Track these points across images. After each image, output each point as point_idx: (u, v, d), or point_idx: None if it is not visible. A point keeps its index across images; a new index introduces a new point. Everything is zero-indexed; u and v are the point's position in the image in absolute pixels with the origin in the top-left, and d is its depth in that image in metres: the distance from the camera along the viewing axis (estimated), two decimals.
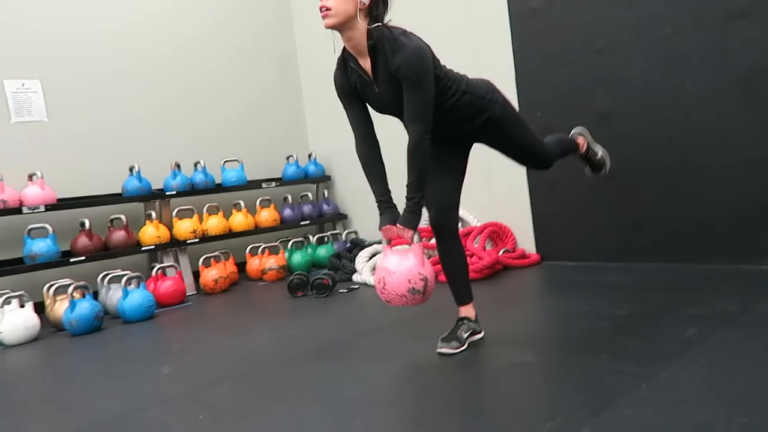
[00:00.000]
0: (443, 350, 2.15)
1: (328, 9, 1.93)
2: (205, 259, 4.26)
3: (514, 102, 3.77)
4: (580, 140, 2.74)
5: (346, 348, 2.44)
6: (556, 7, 3.55)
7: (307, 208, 5.10)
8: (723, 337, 1.96)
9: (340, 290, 3.65)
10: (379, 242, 4.14)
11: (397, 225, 2.06)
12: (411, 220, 2.03)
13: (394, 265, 2.02)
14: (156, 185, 4.44)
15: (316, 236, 4.92)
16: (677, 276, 2.96)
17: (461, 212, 4.14)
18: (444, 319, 2.37)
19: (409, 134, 2.02)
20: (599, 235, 3.56)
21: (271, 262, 4.43)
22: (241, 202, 4.72)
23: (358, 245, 4.44)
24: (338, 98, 2.17)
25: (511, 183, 3.92)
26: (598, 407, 1.52)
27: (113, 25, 4.52)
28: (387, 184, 2.15)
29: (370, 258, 4.01)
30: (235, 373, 2.26)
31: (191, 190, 4.52)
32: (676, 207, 3.21)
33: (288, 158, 5.19)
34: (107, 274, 3.82)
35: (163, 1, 4.80)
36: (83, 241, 3.92)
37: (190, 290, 4.27)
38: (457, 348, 2.14)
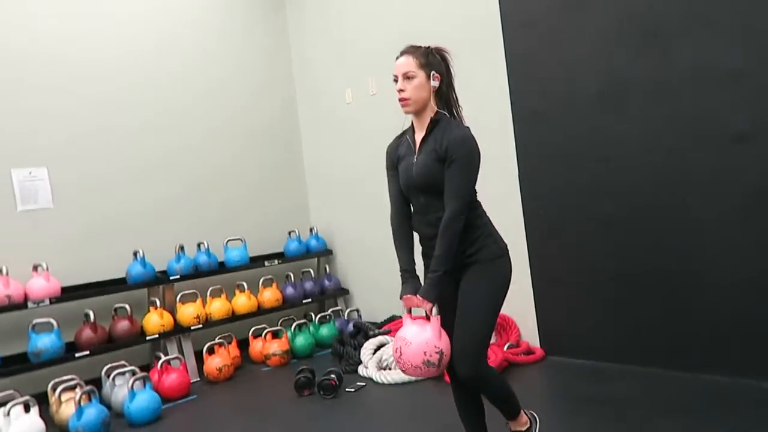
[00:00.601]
0: None
1: (406, 99, 2.15)
2: (208, 346, 4.26)
3: (518, 194, 3.87)
4: (524, 418, 2.33)
5: None
6: (559, 114, 3.64)
7: (308, 285, 5.12)
8: None
9: (347, 388, 3.66)
10: (384, 332, 4.17)
11: (418, 296, 2.10)
12: (432, 292, 2.08)
13: (412, 337, 2.05)
14: (159, 266, 4.45)
15: (318, 315, 4.93)
16: (678, 389, 3.01)
17: None
18: None
19: (447, 208, 2.08)
20: (602, 335, 3.61)
21: (275, 347, 4.44)
22: (244, 284, 4.73)
23: (362, 330, 4.45)
24: (386, 168, 2.31)
25: (515, 276, 3.97)
26: None
27: (120, 113, 4.57)
28: (413, 255, 2.23)
29: (375, 351, 4.03)
30: None
31: (195, 273, 4.53)
32: (678, 315, 3.27)
33: (290, 233, 5.23)
34: (112, 368, 3.81)
35: (167, 91, 4.85)
36: (87, 333, 3.91)
37: (194, 376, 4.26)
38: None
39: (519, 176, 3.87)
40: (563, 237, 3.73)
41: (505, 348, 3.83)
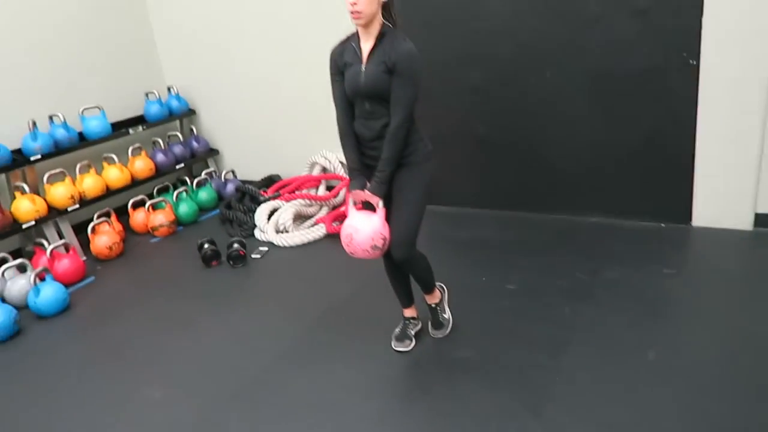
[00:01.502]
0: (399, 348, 2.75)
1: (359, 12, 2.24)
2: (92, 224, 4.17)
3: None
4: (437, 292, 2.84)
5: (310, 345, 2.89)
6: None
7: (177, 149, 5.02)
8: (588, 317, 2.85)
9: (253, 255, 3.96)
10: (274, 197, 4.42)
11: (366, 191, 2.43)
12: (380, 188, 2.41)
13: (362, 225, 2.41)
14: (10, 146, 4.05)
15: (196, 180, 4.95)
16: (537, 229, 3.84)
17: (333, 157, 4.55)
18: (386, 303, 2.94)
19: (394, 117, 2.33)
20: (469, 186, 4.28)
21: (161, 218, 4.47)
22: (114, 156, 4.52)
23: (246, 193, 4.64)
24: (330, 73, 2.46)
25: None
26: (536, 405, 2.29)
27: None
28: (359, 153, 2.49)
29: (270, 215, 4.29)
30: (232, 390, 2.63)
31: (56, 150, 4.21)
32: (531, 169, 4.00)
33: (148, 95, 4.93)
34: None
35: None
36: None
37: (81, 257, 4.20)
38: (410, 345, 2.76)
39: None
40: (435, 101, 4.14)
41: None
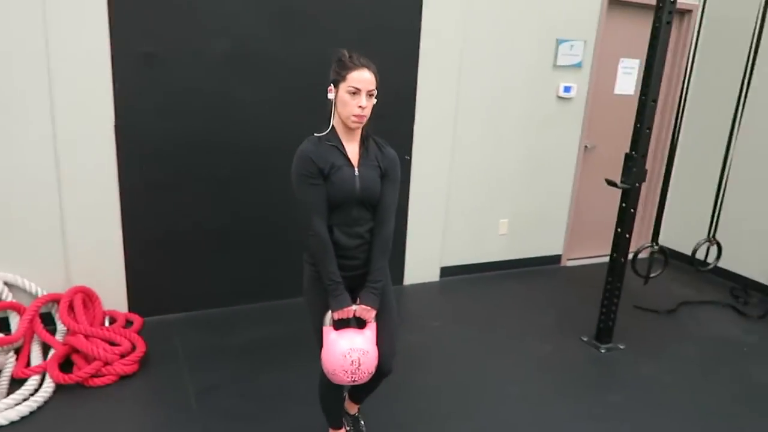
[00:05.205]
0: None
1: (364, 117, 2.08)
2: None
3: (113, 149, 3.32)
4: None
5: None
6: (178, 64, 3.35)
7: None
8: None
9: None
10: None
11: (362, 306, 2.16)
12: (376, 300, 2.19)
13: (367, 346, 2.12)
14: None
15: None
16: (271, 318, 3.77)
17: (12, 277, 3.36)
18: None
19: (386, 224, 2.18)
20: (208, 284, 3.80)
21: None
22: None
23: None
24: (304, 175, 2.06)
25: (98, 240, 3.43)
26: None
27: None
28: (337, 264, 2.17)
29: None
30: None
31: None
32: (270, 262, 3.91)
33: None
34: None
35: None
36: None
37: None
38: None
39: (116, 128, 3.30)
40: (164, 195, 3.54)
41: (109, 325, 3.36)
